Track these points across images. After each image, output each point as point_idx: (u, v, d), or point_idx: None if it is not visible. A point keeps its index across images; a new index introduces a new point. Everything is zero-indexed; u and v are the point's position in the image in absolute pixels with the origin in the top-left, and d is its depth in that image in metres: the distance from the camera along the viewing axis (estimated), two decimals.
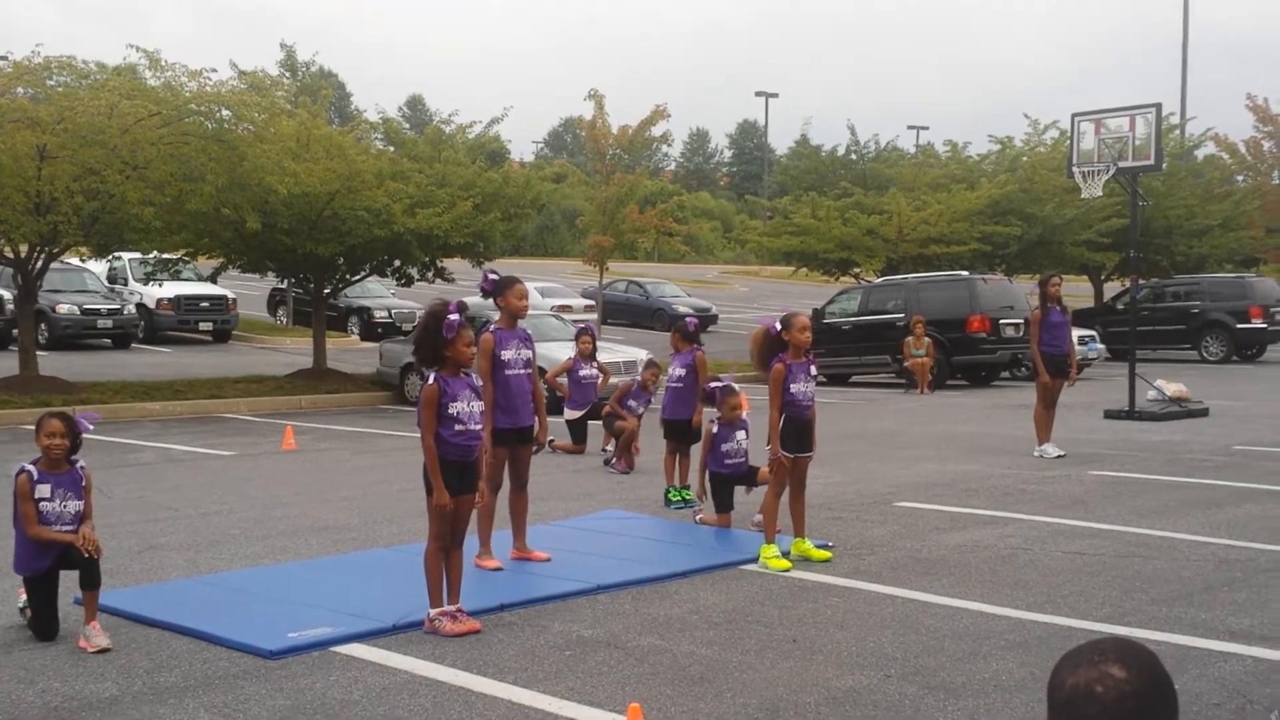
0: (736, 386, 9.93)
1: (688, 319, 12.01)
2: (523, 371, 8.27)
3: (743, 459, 9.73)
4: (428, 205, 21.48)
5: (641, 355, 14.88)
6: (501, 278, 8.42)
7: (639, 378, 13.83)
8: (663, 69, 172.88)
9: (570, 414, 14.78)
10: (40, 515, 6.50)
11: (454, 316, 6.72)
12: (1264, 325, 30.30)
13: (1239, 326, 30.37)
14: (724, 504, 9.63)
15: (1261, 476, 11.97)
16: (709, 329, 38.61)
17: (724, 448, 9.64)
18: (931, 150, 41.70)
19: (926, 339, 23.68)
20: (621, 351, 20.57)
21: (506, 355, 8.18)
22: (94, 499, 6.88)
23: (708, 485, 9.85)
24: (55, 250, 19.80)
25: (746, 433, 9.77)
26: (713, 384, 9.93)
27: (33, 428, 6.86)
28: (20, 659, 6.23)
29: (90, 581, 6.45)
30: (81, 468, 6.72)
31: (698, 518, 9.87)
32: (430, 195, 21.83)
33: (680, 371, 11.30)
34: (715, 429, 9.71)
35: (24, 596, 6.70)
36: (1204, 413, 17.70)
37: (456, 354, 6.77)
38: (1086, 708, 2.14)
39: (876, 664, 6.06)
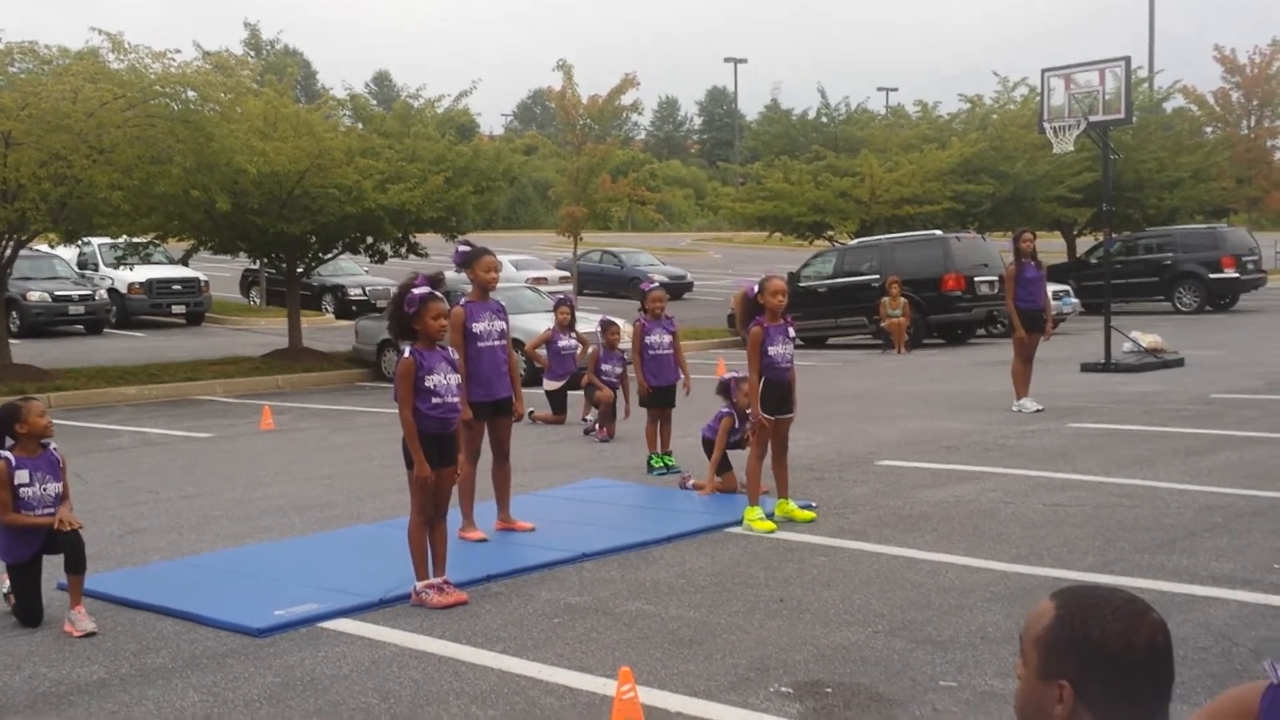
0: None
1: (644, 284, 12.04)
2: (496, 343, 8.22)
3: (746, 432, 9.77)
4: (398, 181, 21.36)
5: (619, 323, 14.84)
6: (471, 250, 8.37)
7: (602, 343, 13.83)
8: (631, 38, 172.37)
9: (550, 385, 14.77)
10: (22, 501, 6.46)
11: (416, 291, 6.69)
12: (1236, 275, 30.47)
13: (1212, 277, 30.53)
14: (724, 463, 9.65)
15: (1239, 424, 12.05)
16: (684, 296, 38.60)
17: (734, 440, 9.67)
18: (902, 111, 41.75)
19: (902, 299, 23.72)
20: (596, 321, 20.52)
21: (478, 328, 8.14)
22: (72, 484, 6.84)
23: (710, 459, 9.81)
24: (24, 237, 19.61)
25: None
26: (727, 376, 9.91)
27: None
28: (5, 645, 6.20)
29: (76, 565, 6.42)
30: (55, 449, 6.68)
31: (690, 483, 9.85)
32: (401, 171, 21.71)
33: (665, 338, 11.28)
34: (735, 422, 9.68)
35: (7, 583, 6.66)
36: (1179, 363, 17.79)
37: (424, 327, 6.75)
38: (1163, 660, 2.09)
39: (864, 620, 6.09)
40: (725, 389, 9.81)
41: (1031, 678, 2.15)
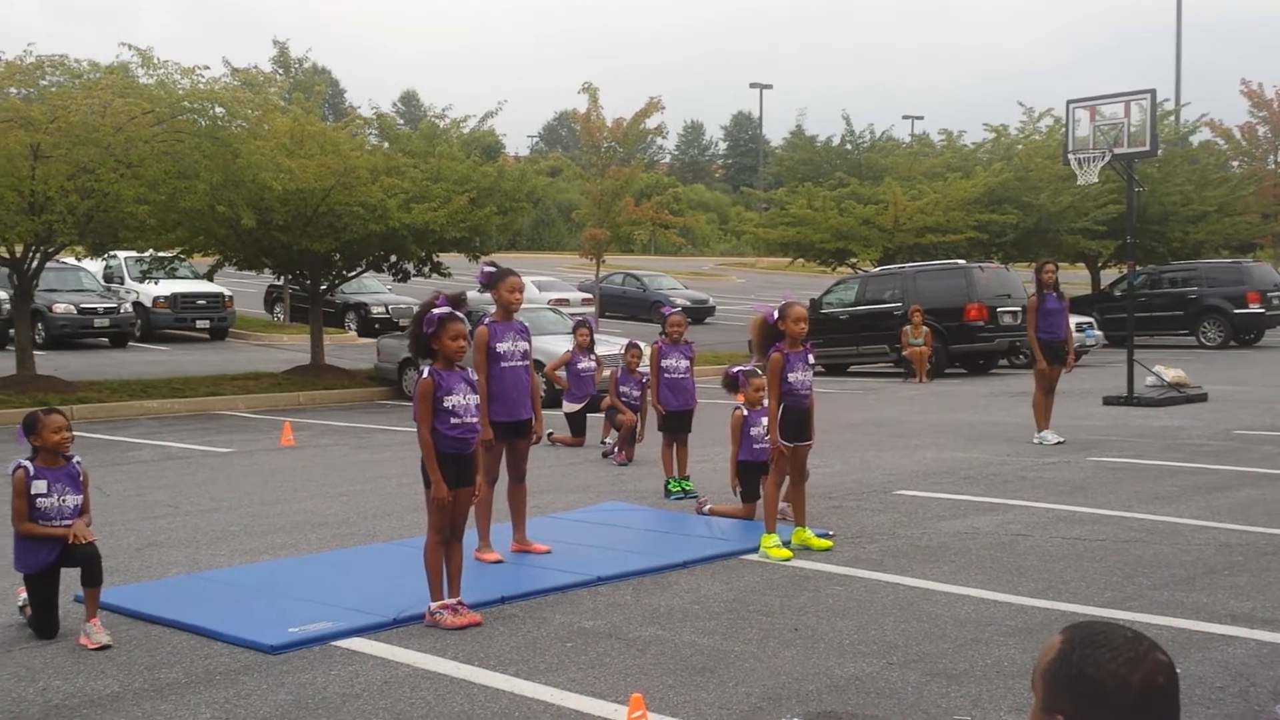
0: (760, 370, 9.75)
1: (664, 308, 12.13)
2: (519, 364, 8.24)
3: (767, 445, 9.61)
4: (423, 200, 21.46)
5: (641, 345, 14.83)
6: (496, 270, 8.40)
7: (622, 364, 13.83)
8: (656, 61, 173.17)
9: (569, 407, 14.78)
10: (39, 512, 6.48)
11: (436, 311, 6.72)
12: (1261, 310, 30.31)
13: (1236, 311, 30.37)
14: (750, 493, 9.50)
15: (1261, 460, 11.97)
16: (706, 320, 38.63)
17: (753, 432, 9.42)
18: (927, 139, 41.70)
19: (924, 328, 23.67)
20: (619, 344, 20.55)
21: (502, 348, 8.15)
22: (92, 496, 6.87)
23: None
24: (51, 249, 19.77)
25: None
26: (735, 369, 9.84)
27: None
28: (21, 657, 6.22)
29: (91, 579, 6.44)
30: (77, 463, 6.70)
31: (706, 508, 9.81)
32: (425, 190, 21.81)
33: (682, 363, 11.32)
34: (745, 414, 9.50)
35: (23, 595, 6.69)
36: (1203, 398, 17.69)
37: (441, 348, 6.76)
38: (1161, 702, 2.08)
39: (878, 651, 6.06)
40: (733, 382, 9.70)
41: (1037, 710, 2.17)
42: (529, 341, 8.38)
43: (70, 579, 6.64)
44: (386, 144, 25.12)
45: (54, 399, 17.70)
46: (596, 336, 15.50)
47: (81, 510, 6.63)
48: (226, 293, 31.43)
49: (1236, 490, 10.38)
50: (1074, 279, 33.74)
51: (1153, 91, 17.20)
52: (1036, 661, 2.22)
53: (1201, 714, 5.09)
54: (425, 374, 6.75)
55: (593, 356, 14.97)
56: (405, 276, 24.76)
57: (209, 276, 25.72)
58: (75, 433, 6.72)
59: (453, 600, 6.72)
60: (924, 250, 31.44)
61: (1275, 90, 47.85)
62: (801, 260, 36.06)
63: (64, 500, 6.55)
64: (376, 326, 31.67)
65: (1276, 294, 30.81)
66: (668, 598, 7.20)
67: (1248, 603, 6.82)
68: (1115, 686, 2.07)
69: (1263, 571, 7.54)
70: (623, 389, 13.51)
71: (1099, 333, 27.92)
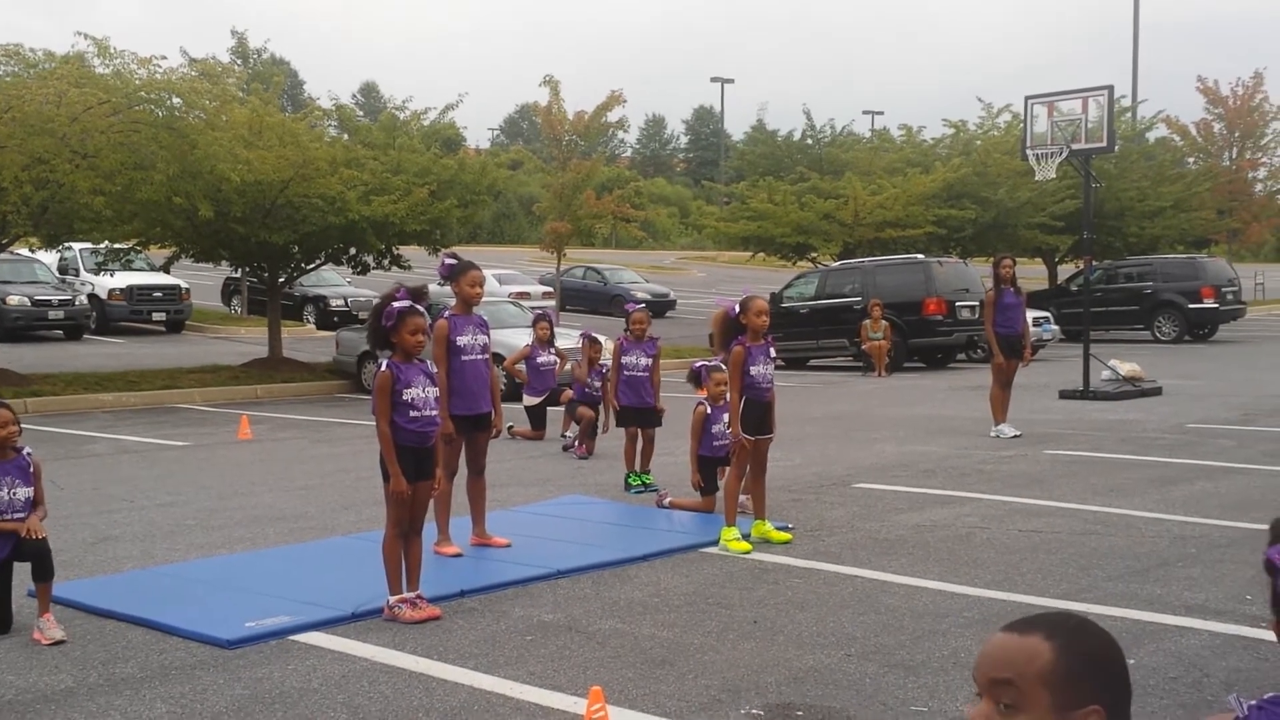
0: (723, 365, 9.73)
1: (628, 304, 12.15)
2: (479, 357, 8.21)
3: (728, 440, 9.61)
4: (383, 192, 21.32)
5: (601, 339, 14.80)
6: (457, 264, 8.36)
7: (581, 357, 13.82)
8: (618, 55, 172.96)
9: (529, 400, 14.75)
10: None
11: (395, 305, 6.69)
12: (1215, 305, 30.67)
13: (1191, 306, 30.72)
14: (709, 486, 9.55)
15: (1214, 454, 12.11)
16: (667, 314, 38.65)
17: (714, 429, 9.47)
18: (887, 135, 41.88)
19: (883, 322, 23.78)
20: (580, 335, 20.49)
21: (461, 341, 8.12)
22: (46, 490, 6.79)
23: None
24: (4, 241, 19.53)
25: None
26: (699, 363, 9.85)
27: None
28: None
29: (42, 574, 6.36)
30: (28, 454, 6.61)
31: (666, 501, 9.82)
32: (385, 182, 21.67)
33: (643, 360, 11.30)
34: (708, 410, 9.53)
35: None
36: (1157, 392, 17.87)
37: (400, 341, 6.74)
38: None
39: (837, 643, 6.08)
40: (696, 377, 9.71)
41: (1044, 717, 2.07)
42: (488, 335, 8.36)
43: (24, 573, 6.56)
44: (346, 136, 24.91)
45: (7, 392, 17.49)
46: (557, 330, 15.48)
47: (35, 503, 6.55)
48: (183, 285, 31.14)
49: (1190, 483, 10.49)
50: (1031, 274, 33.98)
51: (1110, 88, 17.34)
52: (1011, 671, 2.04)
53: (1155, 704, 5.15)
54: (384, 367, 6.72)
55: (553, 350, 14.95)
56: (365, 269, 24.60)
57: (165, 268, 25.45)
58: (29, 426, 6.64)
59: (412, 594, 6.70)
60: (883, 245, 31.59)
61: (1230, 88, 48.45)
62: (762, 254, 36.14)
63: (14, 494, 6.46)
64: (335, 319, 31.43)
65: (1230, 289, 31.20)
66: (627, 591, 7.21)
67: (1201, 594, 6.89)
68: (1120, 659, 2.08)
69: (1216, 563, 7.63)
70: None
71: (1055, 327, 28.15)
